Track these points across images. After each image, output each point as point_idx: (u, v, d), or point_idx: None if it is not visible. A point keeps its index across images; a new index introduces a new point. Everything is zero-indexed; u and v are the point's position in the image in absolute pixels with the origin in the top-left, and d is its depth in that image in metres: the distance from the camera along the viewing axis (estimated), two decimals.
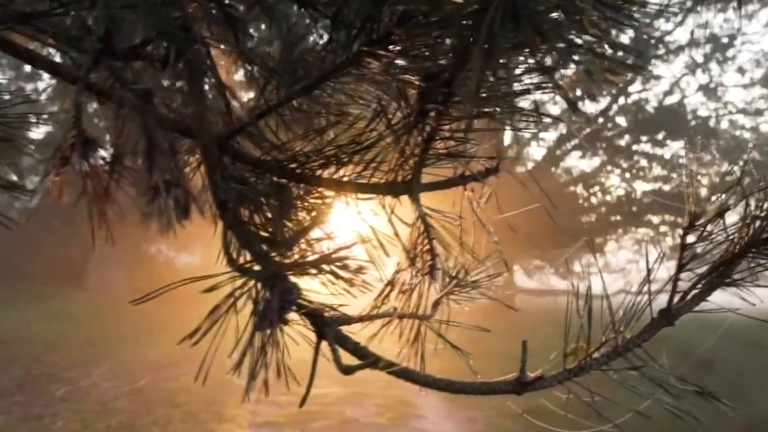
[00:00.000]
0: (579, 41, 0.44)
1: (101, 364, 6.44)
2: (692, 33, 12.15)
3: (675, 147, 12.81)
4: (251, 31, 0.94)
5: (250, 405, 6.17)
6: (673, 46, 12.59)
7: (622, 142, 13.08)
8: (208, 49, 0.83)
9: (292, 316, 0.73)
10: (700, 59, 12.61)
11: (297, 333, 0.75)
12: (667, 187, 12.43)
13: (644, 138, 12.72)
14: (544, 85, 0.54)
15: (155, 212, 0.53)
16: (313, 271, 0.61)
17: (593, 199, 13.54)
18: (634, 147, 13.09)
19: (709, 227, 0.74)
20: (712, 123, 12.61)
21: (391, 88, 0.73)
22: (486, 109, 0.63)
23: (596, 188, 13.35)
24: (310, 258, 0.63)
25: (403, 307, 0.73)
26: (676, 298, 0.77)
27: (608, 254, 14.91)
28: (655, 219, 12.73)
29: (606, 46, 0.45)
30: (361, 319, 0.69)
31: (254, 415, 5.97)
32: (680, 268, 0.75)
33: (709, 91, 12.65)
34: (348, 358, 0.72)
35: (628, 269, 15.19)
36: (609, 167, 13.54)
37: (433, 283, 0.72)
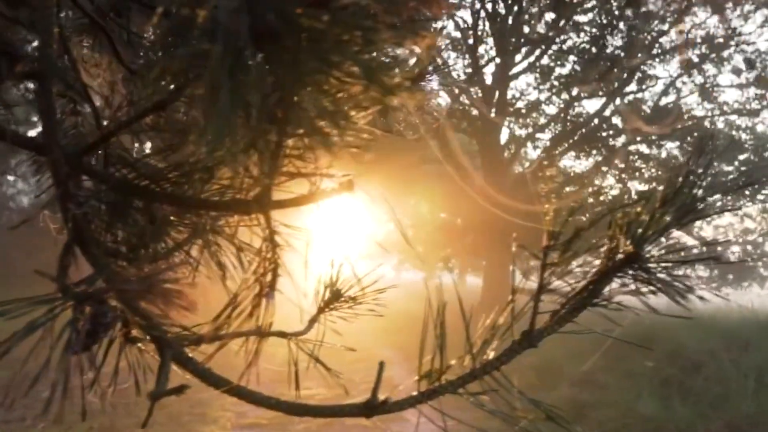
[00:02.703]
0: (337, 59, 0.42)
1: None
2: (687, 33, 12.10)
3: (670, 147, 12.79)
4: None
5: (235, 407, 6.15)
6: (669, 46, 12.56)
7: (618, 143, 13.04)
8: (69, 61, 0.82)
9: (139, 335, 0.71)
10: (695, 59, 12.56)
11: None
12: (662, 188, 12.34)
13: (639, 138, 12.67)
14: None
15: None
16: (129, 293, 0.59)
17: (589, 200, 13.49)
18: (630, 147, 13.05)
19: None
20: (707, 123, 12.57)
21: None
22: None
23: (591, 189, 13.31)
24: (131, 279, 0.61)
25: (243, 327, 0.71)
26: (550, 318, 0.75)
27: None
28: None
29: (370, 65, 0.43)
30: (198, 340, 0.67)
31: (239, 416, 5.96)
32: (540, 288, 0.73)
33: (704, 91, 12.61)
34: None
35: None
36: (605, 168, 13.50)
37: (268, 304, 0.70)
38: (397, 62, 0.44)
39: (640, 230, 0.71)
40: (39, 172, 0.90)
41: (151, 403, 0.66)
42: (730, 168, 12.69)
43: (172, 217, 0.80)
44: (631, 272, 0.71)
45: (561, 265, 0.72)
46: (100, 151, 0.80)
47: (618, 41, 12.28)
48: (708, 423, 4.98)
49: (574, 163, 14.15)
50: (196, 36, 0.40)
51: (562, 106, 13.42)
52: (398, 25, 0.45)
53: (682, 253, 0.73)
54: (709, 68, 12.66)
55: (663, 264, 0.70)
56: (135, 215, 0.77)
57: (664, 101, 12.81)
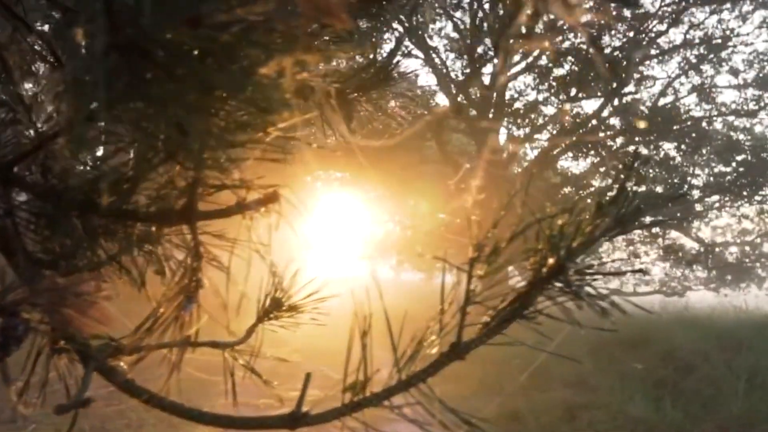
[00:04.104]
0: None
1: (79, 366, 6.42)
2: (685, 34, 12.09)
3: (667, 148, 12.77)
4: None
5: (227, 409, 6.12)
6: (668, 47, 12.54)
7: (615, 144, 13.03)
8: (5, 70, 0.82)
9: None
10: (693, 60, 12.55)
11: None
12: (660, 189, 12.38)
13: (637, 139, 12.66)
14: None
15: None
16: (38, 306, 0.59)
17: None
18: (628, 148, 13.03)
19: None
20: (704, 124, 12.55)
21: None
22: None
23: (588, 190, 13.30)
24: (45, 290, 0.61)
25: (163, 339, 0.72)
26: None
27: (603, 255, 14.90)
28: (647, 219, 12.62)
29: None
30: (118, 350, 0.67)
31: None
32: (467, 300, 0.72)
33: (702, 92, 12.59)
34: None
35: (622, 270, 15.13)
36: (602, 168, 13.49)
37: (184, 316, 0.70)
38: (276, 79, 0.44)
39: (566, 242, 0.71)
40: None
41: (71, 416, 0.66)
42: (728, 169, 12.68)
43: (111, 226, 0.80)
44: (557, 285, 0.71)
45: (486, 277, 0.72)
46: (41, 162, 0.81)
47: (616, 41, 12.27)
48: (699, 425, 4.97)
49: (571, 164, 14.15)
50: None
51: (560, 106, 13.40)
52: (278, 43, 0.45)
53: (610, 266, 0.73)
54: (707, 69, 12.65)
55: (588, 276, 0.70)
56: (66, 225, 0.77)
57: (662, 102, 12.80)
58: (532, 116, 13.87)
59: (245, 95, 0.43)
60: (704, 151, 12.55)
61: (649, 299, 12.81)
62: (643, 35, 12.05)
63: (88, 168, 0.76)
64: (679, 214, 12.32)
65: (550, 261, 0.71)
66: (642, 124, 11.10)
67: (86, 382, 0.64)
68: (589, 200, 0.76)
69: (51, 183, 0.76)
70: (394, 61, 1.43)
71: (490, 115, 13.00)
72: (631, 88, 12.64)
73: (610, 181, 13.51)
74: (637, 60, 12.04)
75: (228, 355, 0.81)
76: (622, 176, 0.78)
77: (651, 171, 12.91)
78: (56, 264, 0.76)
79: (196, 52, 0.42)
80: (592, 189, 13.29)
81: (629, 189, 0.79)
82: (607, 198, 0.77)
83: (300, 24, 0.50)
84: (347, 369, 0.71)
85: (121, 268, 0.78)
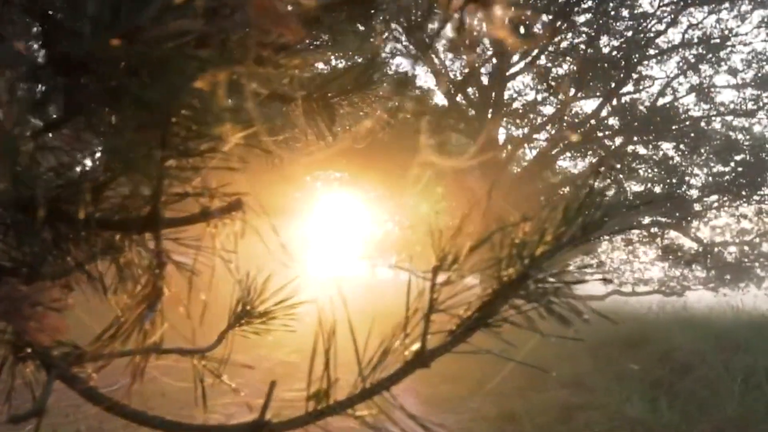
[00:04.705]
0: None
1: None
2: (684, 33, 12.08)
3: (666, 148, 12.76)
4: None
5: (224, 408, 6.12)
6: (666, 46, 12.53)
7: (614, 144, 13.02)
8: None
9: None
10: (692, 60, 12.54)
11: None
12: (658, 189, 12.38)
13: (636, 139, 12.65)
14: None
15: None
16: None
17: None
18: (627, 148, 13.02)
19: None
20: (703, 124, 12.54)
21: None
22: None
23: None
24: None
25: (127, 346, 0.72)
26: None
27: (602, 255, 14.95)
28: (646, 219, 12.66)
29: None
30: (80, 358, 0.68)
31: (228, 418, 5.93)
32: (431, 308, 0.73)
33: (701, 92, 12.59)
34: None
35: (621, 270, 15.20)
36: (601, 169, 13.47)
37: (144, 323, 0.71)
38: (213, 92, 0.44)
39: (529, 251, 0.71)
40: None
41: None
42: (727, 168, 12.67)
43: (80, 234, 0.80)
44: (522, 293, 0.71)
45: (449, 285, 0.72)
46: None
47: (615, 41, 12.27)
48: (696, 426, 4.97)
49: (569, 164, 14.15)
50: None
51: (558, 106, 13.40)
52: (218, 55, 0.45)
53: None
54: (706, 69, 12.65)
55: (550, 285, 0.70)
56: (34, 234, 0.77)
57: (660, 102, 12.79)
58: (531, 116, 13.87)
59: (184, 108, 0.43)
60: (703, 151, 12.55)
61: (647, 299, 12.79)
62: (642, 35, 12.04)
63: (56, 176, 0.76)
64: (677, 214, 12.32)
65: (511, 270, 0.71)
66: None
67: (47, 391, 0.64)
68: (555, 207, 0.76)
69: (19, 192, 0.76)
70: (377, 63, 1.44)
71: (489, 115, 13.00)
72: (629, 88, 12.64)
73: (609, 181, 13.54)
74: (636, 60, 12.04)
75: (197, 362, 0.82)
76: (588, 183, 0.79)
77: (649, 171, 12.89)
78: (18, 272, 0.76)
79: (132, 66, 0.42)
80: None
81: (595, 196, 0.79)
82: (574, 205, 0.77)
83: (252, 35, 0.50)
84: (311, 377, 0.71)
85: (89, 277, 0.78)
